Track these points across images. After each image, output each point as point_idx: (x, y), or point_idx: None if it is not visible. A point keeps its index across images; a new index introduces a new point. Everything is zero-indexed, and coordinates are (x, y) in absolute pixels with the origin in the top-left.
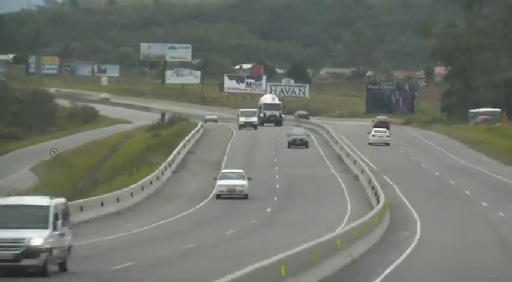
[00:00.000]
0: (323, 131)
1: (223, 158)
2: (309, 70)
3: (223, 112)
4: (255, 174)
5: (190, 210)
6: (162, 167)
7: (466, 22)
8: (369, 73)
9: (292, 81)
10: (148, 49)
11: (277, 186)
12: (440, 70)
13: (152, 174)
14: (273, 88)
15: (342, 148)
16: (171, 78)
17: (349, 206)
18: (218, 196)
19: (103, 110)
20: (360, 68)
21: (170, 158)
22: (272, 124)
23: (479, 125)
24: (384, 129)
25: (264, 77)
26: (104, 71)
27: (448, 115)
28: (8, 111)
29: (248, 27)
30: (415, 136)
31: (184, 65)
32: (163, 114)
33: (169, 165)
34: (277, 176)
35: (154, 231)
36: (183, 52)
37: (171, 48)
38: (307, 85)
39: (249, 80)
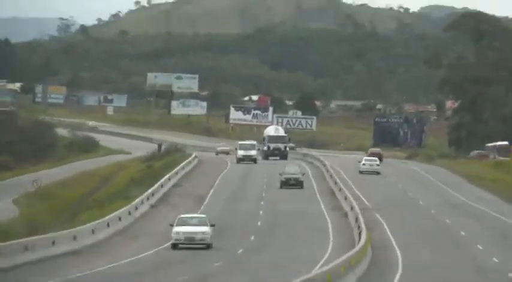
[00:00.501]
0: (320, 164)
1: (210, 191)
2: (318, 102)
3: (229, 144)
4: (238, 208)
5: (152, 251)
6: (137, 201)
7: (476, 54)
8: (379, 106)
9: (299, 113)
10: (155, 79)
11: (259, 223)
12: (451, 104)
13: (123, 209)
14: (280, 120)
15: (336, 183)
16: (177, 108)
17: (329, 248)
18: (174, 246)
19: (104, 140)
20: (371, 100)
21: (149, 191)
22: (277, 158)
23: (481, 160)
24: (375, 158)
25: (271, 109)
26: (111, 101)
27: (456, 149)
28: (6, 141)
29: (260, 58)
30: (417, 171)
31: (193, 95)
32: (159, 145)
33: (147, 199)
34: (261, 212)
35: (95, 276)
36: (190, 82)
37: (177, 78)
38: (314, 117)
39: (256, 111)
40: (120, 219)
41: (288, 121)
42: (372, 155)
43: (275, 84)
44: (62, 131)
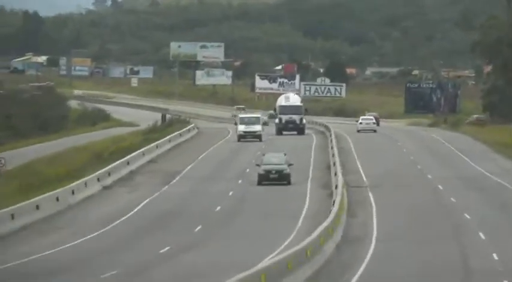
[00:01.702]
0: (328, 133)
1: (187, 168)
2: (353, 69)
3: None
4: (208, 189)
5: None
6: (77, 183)
7: (509, 14)
8: (415, 72)
9: (327, 80)
10: (178, 48)
11: (218, 208)
12: (488, 68)
13: (49, 194)
14: (307, 88)
15: (333, 155)
16: (202, 78)
17: (287, 241)
18: None
19: (118, 112)
20: (408, 67)
21: (104, 170)
22: (293, 132)
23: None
24: (371, 117)
25: (298, 76)
26: (137, 73)
27: (490, 115)
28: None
29: (294, 26)
30: (436, 139)
31: (224, 65)
32: (163, 115)
33: (98, 180)
34: (231, 193)
35: None
36: (216, 51)
37: (202, 47)
38: (344, 84)
39: (282, 80)
40: (37, 207)
41: (316, 89)
42: None
43: (309, 53)
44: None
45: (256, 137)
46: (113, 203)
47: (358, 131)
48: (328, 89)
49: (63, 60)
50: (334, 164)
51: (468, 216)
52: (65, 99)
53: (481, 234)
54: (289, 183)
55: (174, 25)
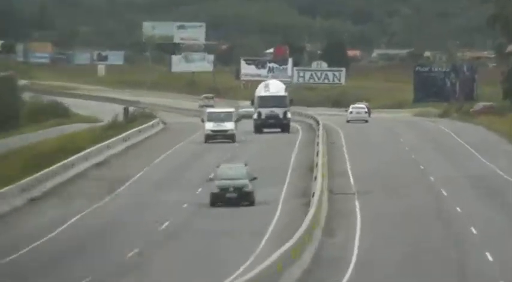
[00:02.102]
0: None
1: (139, 173)
2: (357, 52)
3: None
4: (160, 199)
5: None
6: None
7: None
8: (427, 53)
9: (324, 65)
10: (153, 30)
11: (165, 225)
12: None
13: None
14: (301, 74)
15: (317, 153)
16: (179, 65)
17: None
18: None
19: (80, 105)
20: (420, 48)
21: (33, 177)
22: (276, 129)
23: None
24: (362, 106)
25: (290, 60)
26: (105, 59)
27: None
28: None
29: (289, 3)
30: (445, 132)
31: (210, 49)
32: (126, 109)
33: (22, 190)
34: (185, 206)
35: None
36: (195, 32)
37: (180, 27)
38: (343, 69)
39: (272, 65)
40: None
41: (312, 75)
42: None
43: (306, 33)
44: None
45: (228, 137)
46: (33, 220)
47: (348, 121)
48: (326, 74)
49: (19, 46)
50: (317, 164)
51: (474, 231)
52: (15, 91)
53: (488, 254)
54: (252, 203)
55: (153, 3)
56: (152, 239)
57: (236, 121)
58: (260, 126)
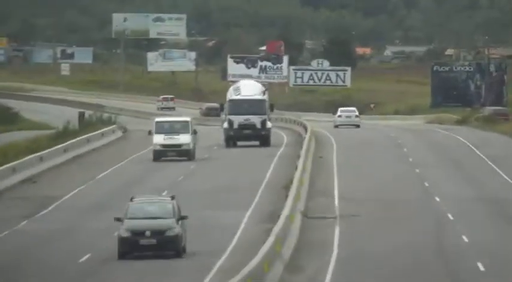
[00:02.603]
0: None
1: (69, 193)
2: (367, 49)
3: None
4: (87, 225)
5: None
6: None
7: None
8: (449, 51)
9: (326, 64)
10: (124, 22)
11: (85, 257)
12: None
13: None
14: (299, 74)
15: (297, 168)
16: (156, 63)
17: None
18: None
19: (33, 110)
20: (442, 45)
21: None
22: (253, 142)
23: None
24: (353, 109)
25: (286, 58)
26: (71, 56)
27: None
28: None
29: None
30: (461, 142)
31: (198, 45)
32: (81, 114)
33: None
34: (117, 233)
35: None
36: (175, 25)
37: (156, 20)
38: (348, 69)
39: (264, 63)
40: None
41: (311, 75)
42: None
43: (309, 27)
44: None
45: (183, 153)
46: None
47: (336, 126)
48: (328, 75)
49: None
50: (291, 185)
51: (481, 267)
52: None
53: None
54: (179, 254)
55: None
56: (63, 278)
57: (194, 133)
58: (232, 139)
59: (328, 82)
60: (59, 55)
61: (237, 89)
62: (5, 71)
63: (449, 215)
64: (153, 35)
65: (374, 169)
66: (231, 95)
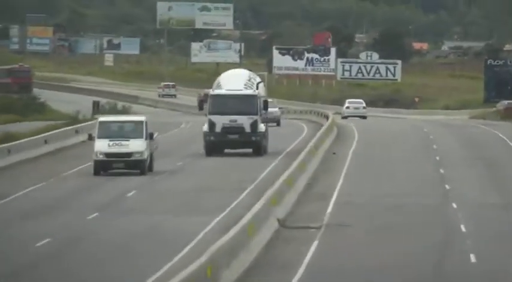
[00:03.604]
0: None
1: (23, 191)
2: (424, 45)
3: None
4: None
5: None
6: None
7: None
8: (507, 47)
9: (376, 56)
10: (168, 12)
11: None
12: None
13: None
14: (347, 67)
15: (292, 166)
16: (200, 54)
17: None
18: None
19: (65, 100)
20: (501, 40)
21: None
22: (246, 150)
23: None
24: (360, 101)
25: (333, 50)
26: (117, 47)
27: None
28: None
29: None
30: (501, 139)
31: (247, 38)
32: (96, 104)
33: None
34: (45, 240)
35: None
36: (220, 15)
37: (202, 9)
38: (399, 62)
39: (310, 55)
40: None
41: (360, 68)
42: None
43: (366, 22)
44: None
45: (134, 165)
46: None
47: (344, 117)
48: (377, 68)
49: (14, 30)
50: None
51: None
52: None
53: None
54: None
55: None
56: None
57: (150, 138)
58: (213, 146)
59: (377, 76)
60: (105, 46)
61: (220, 82)
62: (50, 62)
63: (462, 227)
64: (198, 25)
65: (392, 168)
66: (213, 89)
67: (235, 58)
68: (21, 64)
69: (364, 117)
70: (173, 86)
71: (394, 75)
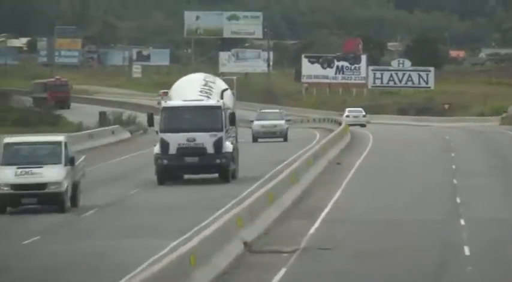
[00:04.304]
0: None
1: None
2: (461, 52)
3: (300, 114)
4: None
5: None
6: None
7: None
8: None
9: (407, 63)
10: (196, 21)
11: None
12: None
13: None
14: (378, 74)
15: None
16: (228, 63)
17: None
18: None
19: (80, 113)
20: None
21: None
22: (211, 175)
23: None
24: (359, 109)
25: (364, 58)
26: (147, 59)
27: None
28: None
29: None
30: None
31: (280, 47)
32: (102, 114)
33: None
34: None
35: None
36: (249, 23)
37: (231, 18)
38: (432, 69)
39: (340, 63)
40: None
41: (391, 76)
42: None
43: (401, 29)
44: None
45: (51, 200)
46: None
47: None
48: (409, 76)
49: (42, 43)
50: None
51: None
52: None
53: None
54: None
55: None
56: None
57: (70, 163)
58: (167, 171)
59: (409, 83)
60: (134, 57)
61: (172, 92)
62: (79, 74)
63: (466, 249)
64: (227, 34)
65: (400, 179)
66: (168, 101)
67: (264, 67)
68: (58, 77)
69: (364, 125)
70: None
71: (427, 83)
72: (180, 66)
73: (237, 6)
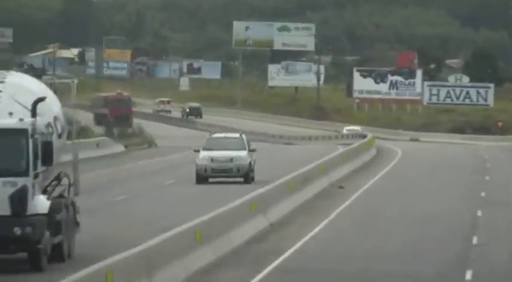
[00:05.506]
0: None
1: None
2: None
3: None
4: None
5: None
6: None
7: None
8: None
9: (465, 79)
10: (246, 32)
11: None
12: None
13: None
14: (434, 91)
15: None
16: (278, 77)
17: None
18: None
19: None
20: None
21: None
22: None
23: None
24: (357, 128)
25: (419, 72)
26: (198, 71)
27: None
28: None
29: (450, 12)
30: None
31: (337, 62)
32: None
33: None
34: None
35: None
36: (301, 35)
37: (282, 29)
38: (491, 86)
39: (394, 78)
40: None
41: (448, 92)
42: None
43: (466, 47)
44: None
45: None
46: None
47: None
48: (467, 92)
49: (90, 53)
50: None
51: None
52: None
53: None
54: None
55: (275, 8)
56: None
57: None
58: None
59: (467, 100)
60: (185, 70)
61: None
62: (127, 87)
63: None
64: (277, 45)
65: (410, 208)
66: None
67: (315, 81)
68: (119, 91)
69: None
70: (168, 102)
71: (485, 100)
72: (232, 79)
73: (294, 20)
